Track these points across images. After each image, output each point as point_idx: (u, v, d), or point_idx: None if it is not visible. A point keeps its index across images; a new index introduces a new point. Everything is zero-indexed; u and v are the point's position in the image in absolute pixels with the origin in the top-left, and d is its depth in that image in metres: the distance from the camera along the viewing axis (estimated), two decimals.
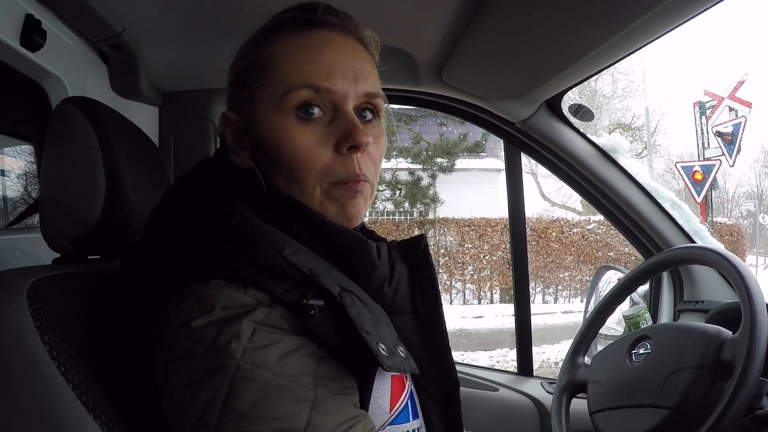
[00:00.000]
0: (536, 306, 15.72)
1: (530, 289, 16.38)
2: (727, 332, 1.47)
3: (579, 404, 1.80)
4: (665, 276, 2.55)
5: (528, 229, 16.23)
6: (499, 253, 16.19)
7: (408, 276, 1.15)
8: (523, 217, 2.67)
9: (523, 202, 2.67)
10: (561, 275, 16.78)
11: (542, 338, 11.60)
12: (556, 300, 16.88)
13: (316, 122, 1.06)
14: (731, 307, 2.02)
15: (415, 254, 1.16)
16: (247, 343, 0.86)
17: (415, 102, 2.46)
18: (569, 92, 2.19)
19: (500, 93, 2.24)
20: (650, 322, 2.35)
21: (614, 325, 2.48)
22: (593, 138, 2.36)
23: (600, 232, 16.60)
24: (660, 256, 1.86)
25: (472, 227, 16.22)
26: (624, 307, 2.38)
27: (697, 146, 15.71)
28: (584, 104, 2.31)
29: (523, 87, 2.12)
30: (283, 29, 1.09)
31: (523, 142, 2.44)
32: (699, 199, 15.01)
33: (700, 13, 1.46)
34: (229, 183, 1.06)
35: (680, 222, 2.40)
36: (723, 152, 14.43)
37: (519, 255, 2.69)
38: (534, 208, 21.93)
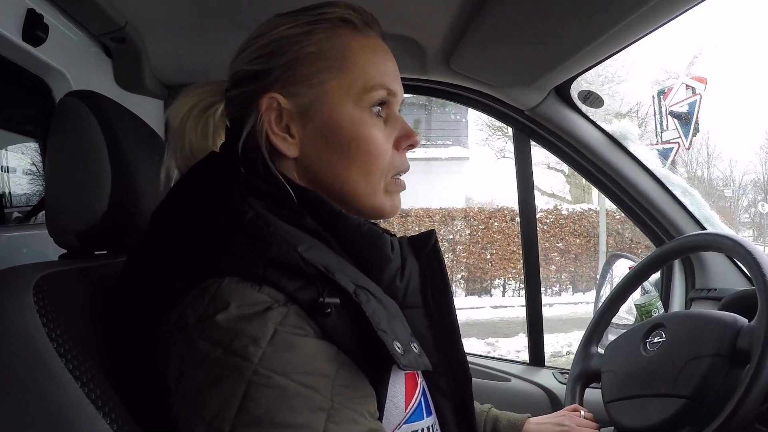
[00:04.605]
0: (498, 299, 15.51)
1: (496, 283, 15.53)
2: (744, 320, 1.45)
3: (592, 394, 1.78)
4: (677, 264, 2.54)
5: (470, 219, 15.47)
6: (463, 243, 15.80)
7: (419, 270, 1.15)
8: (533, 207, 2.66)
9: (533, 192, 2.64)
10: (507, 267, 16.08)
11: (497, 332, 11.58)
12: (504, 293, 16.18)
13: (381, 120, 1.12)
14: (745, 295, 2.00)
15: (425, 249, 1.17)
16: (266, 347, 0.84)
17: (422, 90, 2.46)
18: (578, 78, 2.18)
19: (509, 80, 2.23)
20: (662, 311, 2.34)
21: (625, 314, 2.47)
22: (602, 125, 2.34)
23: (548, 221, 16.01)
24: (673, 243, 1.85)
25: (432, 217, 15.66)
26: (635, 296, 2.36)
27: (655, 129, 15.22)
28: (594, 90, 2.30)
29: (531, 74, 2.10)
30: (351, 26, 1.12)
31: (532, 129, 2.42)
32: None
33: None
34: (240, 177, 1.03)
35: (691, 209, 2.38)
36: (679, 134, 13.99)
37: (529, 245, 2.67)
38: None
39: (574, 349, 1.93)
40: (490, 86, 2.31)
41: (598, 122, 2.34)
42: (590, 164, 2.40)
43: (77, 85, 1.85)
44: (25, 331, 0.91)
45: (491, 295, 15.73)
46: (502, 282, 16.03)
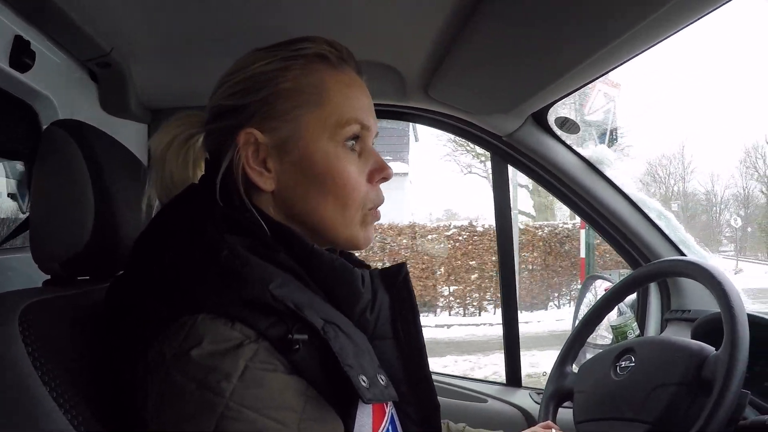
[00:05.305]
0: None
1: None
2: (710, 349, 1.48)
3: (567, 414, 1.81)
4: (653, 285, 2.57)
5: (379, 235, 14.86)
6: (371, 261, 14.62)
7: (389, 302, 1.17)
8: (510, 228, 2.69)
9: (509, 214, 2.68)
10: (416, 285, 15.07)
11: None
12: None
13: (355, 154, 1.15)
14: (717, 318, 2.02)
15: (396, 281, 1.19)
16: (237, 382, 0.87)
17: (401, 116, 2.48)
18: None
19: (486, 107, 2.26)
20: (637, 332, 2.37)
21: (604, 332, 2.50)
22: (579, 150, 2.38)
23: (461, 238, 15.48)
24: (647, 267, 1.88)
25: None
26: (612, 317, 2.40)
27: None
28: (570, 117, 2.34)
29: (508, 101, 2.14)
30: (327, 61, 1.15)
31: (509, 155, 2.46)
32: None
33: (690, 24, 1.44)
34: (217, 213, 1.06)
35: (666, 232, 2.42)
36: (596, 144, 13.71)
37: (506, 265, 2.71)
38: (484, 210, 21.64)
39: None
40: (469, 113, 2.35)
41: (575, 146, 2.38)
42: (567, 189, 2.43)
43: (63, 109, 1.88)
44: (11, 360, 0.95)
45: None
46: None
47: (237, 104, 1.12)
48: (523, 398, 2.53)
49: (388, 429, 1.10)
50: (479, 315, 15.33)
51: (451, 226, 15.87)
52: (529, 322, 13.98)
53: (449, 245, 15.49)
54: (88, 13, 1.66)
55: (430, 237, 15.54)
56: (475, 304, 15.48)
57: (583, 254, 14.24)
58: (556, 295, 15.65)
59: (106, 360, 1.02)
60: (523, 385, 2.68)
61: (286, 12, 1.68)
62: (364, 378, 0.97)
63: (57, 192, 1.24)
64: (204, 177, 1.16)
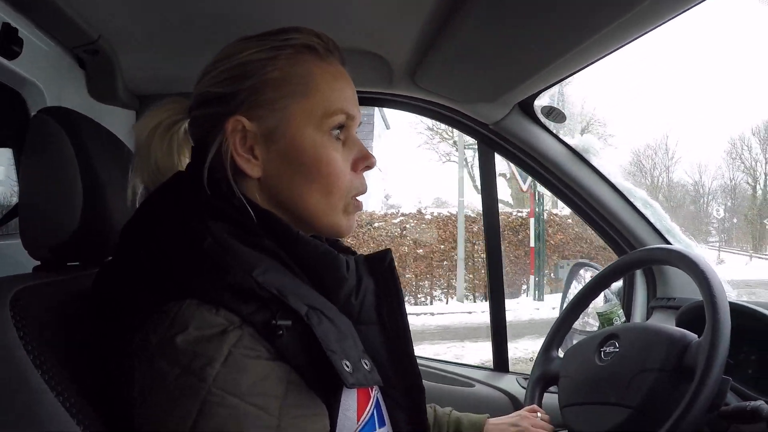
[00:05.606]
0: None
1: None
2: (692, 336, 1.50)
3: (552, 398, 1.83)
4: (638, 273, 2.58)
5: None
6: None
7: (374, 288, 1.19)
8: (496, 215, 2.72)
9: (496, 201, 2.71)
10: None
11: None
12: None
13: (340, 143, 1.16)
14: (700, 305, 2.02)
15: (381, 267, 1.21)
16: (220, 368, 0.89)
17: (388, 104, 2.50)
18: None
19: (472, 96, 2.27)
20: (623, 319, 2.39)
21: (592, 320, 2.52)
22: (566, 138, 2.40)
23: (408, 227, 15.43)
24: (631, 255, 1.90)
25: None
26: (598, 304, 2.42)
27: None
28: (556, 106, 2.35)
29: (495, 90, 2.14)
30: (314, 52, 1.16)
31: (496, 143, 2.47)
32: (525, 187, 14.67)
33: (679, 14, 1.46)
34: (202, 200, 1.07)
35: (652, 220, 2.44)
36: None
37: (493, 252, 2.73)
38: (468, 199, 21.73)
39: None
40: (455, 101, 2.36)
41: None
42: (553, 177, 2.45)
43: (51, 96, 1.87)
44: (3, 344, 0.96)
45: None
46: None
47: (225, 92, 1.13)
48: (510, 383, 2.55)
49: (373, 413, 1.12)
50: (431, 304, 15.17)
51: (399, 214, 15.92)
52: (472, 312, 13.73)
53: (396, 233, 15.47)
54: (75, 0, 1.66)
55: (376, 225, 15.49)
56: (425, 292, 15.40)
57: (533, 244, 14.18)
58: (511, 285, 15.47)
59: (94, 345, 1.03)
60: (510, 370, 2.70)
61: (273, 0, 1.68)
62: (348, 363, 0.99)
63: (46, 178, 1.25)
64: (191, 164, 1.17)
